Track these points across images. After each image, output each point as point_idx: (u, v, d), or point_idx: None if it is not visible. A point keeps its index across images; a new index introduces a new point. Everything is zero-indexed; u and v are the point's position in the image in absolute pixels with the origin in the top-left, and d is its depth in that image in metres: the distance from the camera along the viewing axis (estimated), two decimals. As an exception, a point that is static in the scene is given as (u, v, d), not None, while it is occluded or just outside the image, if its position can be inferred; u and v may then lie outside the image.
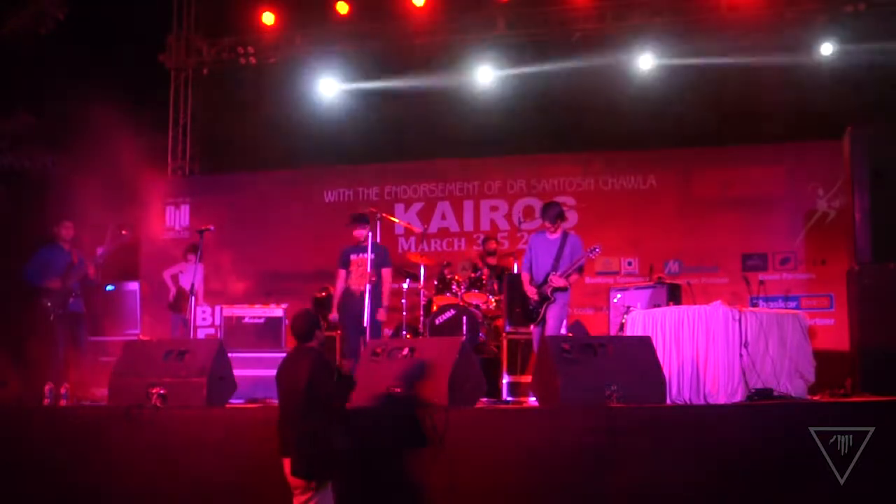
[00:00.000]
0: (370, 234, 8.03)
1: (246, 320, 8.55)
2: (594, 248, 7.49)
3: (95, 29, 10.28)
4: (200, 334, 10.30)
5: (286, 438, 5.08)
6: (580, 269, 7.64)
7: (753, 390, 6.45)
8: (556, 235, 7.68)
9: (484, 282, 9.33)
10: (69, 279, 8.02)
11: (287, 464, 5.05)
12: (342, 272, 8.18)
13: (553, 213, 7.67)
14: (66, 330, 8.00)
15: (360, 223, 8.19)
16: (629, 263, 10.65)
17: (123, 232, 8.57)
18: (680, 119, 10.61)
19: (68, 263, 8.07)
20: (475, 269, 9.95)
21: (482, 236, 10.66)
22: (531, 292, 7.60)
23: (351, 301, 8.01)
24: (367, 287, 7.82)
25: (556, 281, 7.47)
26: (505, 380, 8.44)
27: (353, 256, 8.13)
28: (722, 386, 6.52)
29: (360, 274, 8.01)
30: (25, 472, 6.13)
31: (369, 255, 7.96)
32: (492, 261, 9.98)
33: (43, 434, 6.25)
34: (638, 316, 7.26)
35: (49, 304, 7.94)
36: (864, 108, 9.55)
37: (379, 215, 9.01)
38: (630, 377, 5.90)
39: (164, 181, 12.34)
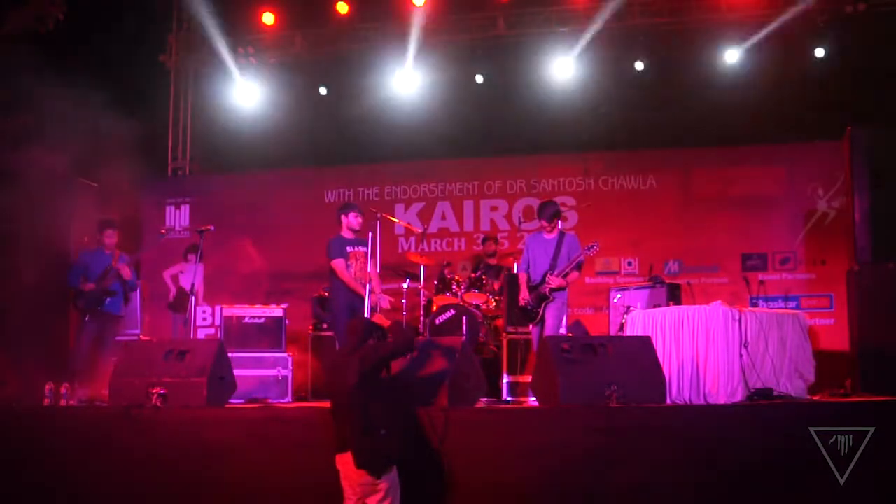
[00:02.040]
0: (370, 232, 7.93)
1: (246, 320, 8.56)
2: (592, 245, 7.49)
3: (96, 29, 10.27)
4: (200, 334, 10.32)
5: (343, 434, 5.13)
6: (579, 267, 7.62)
7: (753, 390, 6.45)
8: (553, 235, 7.67)
9: (484, 282, 9.33)
10: (105, 281, 8.09)
11: (340, 460, 5.13)
12: (342, 262, 7.77)
13: (549, 213, 7.65)
14: (94, 331, 8.05)
15: (357, 210, 7.97)
16: (629, 263, 10.66)
17: (162, 231, 8.62)
18: (680, 119, 10.62)
19: (107, 266, 8.16)
20: (475, 268, 9.95)
21: (482, 236, 10.66)
22: (525, 294, 7.60)
23: (353, 294, 7.71)
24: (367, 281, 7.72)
25: (554, 281, 7.46)
26: (505, 380, 8.44)
27: (349, 249, 7.85)
28: (722, 386, 6.52)
29: (359, 268, 7.81)
30: (25, 472, 6.12)
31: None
32: (492, 261, 9.99)
33: (43, 434, 6.24)
34: (638, 316, 7.26)
35: (81, 305, 8.07)
36: (864, 108, 9.55)
37: (379, 215, 9.00)
38: (630, 377, 5.90)
39: (164, 181, 12.37)
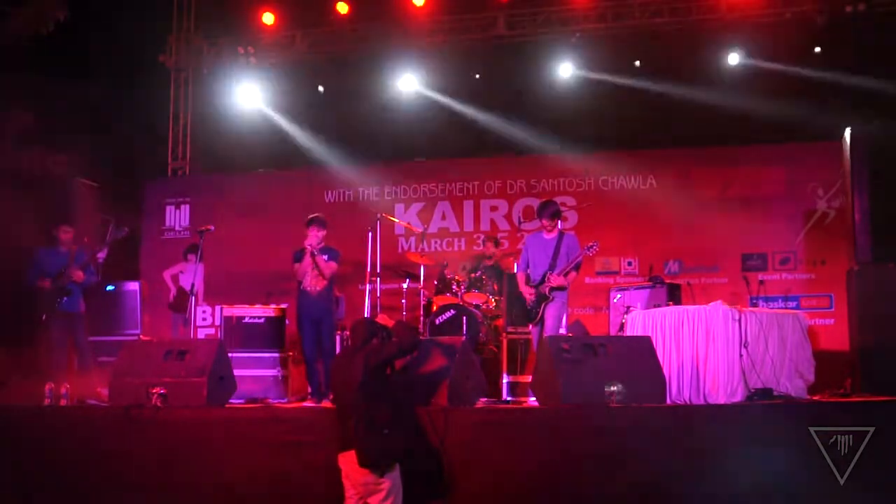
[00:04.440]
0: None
1: (246, 320, 8.55)
2: (592, 245, 7.49)
3: (96, 29, 10.28)
4: (200, 334, 10.30)
5: (346, 432, 5.14)
6: (577, 267, 7.62)
7: (753, 390, 6.45)
8: (553, 235, 7.67)
9: (484, 281, 9.33)
10: (61, 280, 8.05)
11: (343, 458, 5.14)
12: (299, 265, 8.04)
13: (550, 212, 7.65)
14: (61, 330, 8.01)
15: (321, 224, 8.10)
16: (629, 263, 10.65)
17: (126, 228, 8.59)
18: (680, 119, 10.61)
19: (63, 265, 8.11)
20: (475, 268, 9.95)
21: (482, 236, 10.66)
22: (527, 293, 7.61)
23: (309, 301, 7.95)
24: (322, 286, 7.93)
25: (555, 280, 7.46)
26: (505, 380, 8.45)
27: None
28: (722, 386, 6.52)
29: (314, 275, 7.98)
30: (26, 472, 6.13)
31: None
32: (490, 262, 9.98)
33: (43, 434, 6.25)
34: (638, 316, 7.26)
35: (39, 304, 7.99)
36: (864, 108, 9.54)
37: (379, 215, 9.01)
38: (630, 377, 5.90)
39: (164, 181, 12.37)
